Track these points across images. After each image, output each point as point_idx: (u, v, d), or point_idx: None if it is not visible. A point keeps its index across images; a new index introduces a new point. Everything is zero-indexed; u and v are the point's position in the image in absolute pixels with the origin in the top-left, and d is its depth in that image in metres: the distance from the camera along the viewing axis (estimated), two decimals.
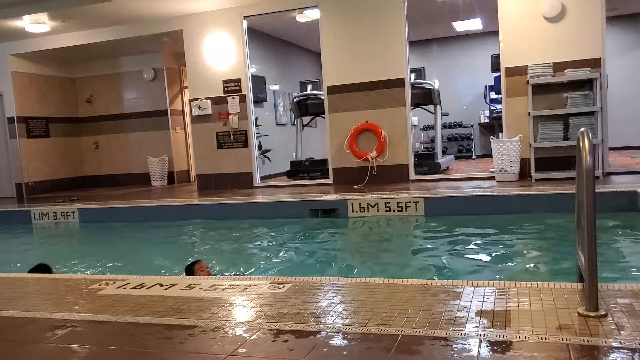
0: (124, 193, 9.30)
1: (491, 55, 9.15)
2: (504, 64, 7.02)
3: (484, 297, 2.18)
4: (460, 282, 2.43)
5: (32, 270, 3.70)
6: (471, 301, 2.15)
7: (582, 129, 2.01)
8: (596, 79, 6.46)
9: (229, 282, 2.78)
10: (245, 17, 8.31)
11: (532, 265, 3.79)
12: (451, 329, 1.87)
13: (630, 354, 1.58)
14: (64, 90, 11.25)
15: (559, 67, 6.67)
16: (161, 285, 2.81)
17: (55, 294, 2.81)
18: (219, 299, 2.47)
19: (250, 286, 2.64)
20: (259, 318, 2.15)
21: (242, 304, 2.37)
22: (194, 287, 2.73)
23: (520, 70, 6.87)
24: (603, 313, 1.89)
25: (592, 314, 1.89)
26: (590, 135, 1.98)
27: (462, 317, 1.98)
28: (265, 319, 2.13)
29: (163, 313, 2.33)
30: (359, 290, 2.46)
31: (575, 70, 6.54)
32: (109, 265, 4.78)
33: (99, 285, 2.91)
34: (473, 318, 1.96)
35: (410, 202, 5.76)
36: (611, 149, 8.59)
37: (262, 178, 9.07)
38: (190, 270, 3.60)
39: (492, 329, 1.83)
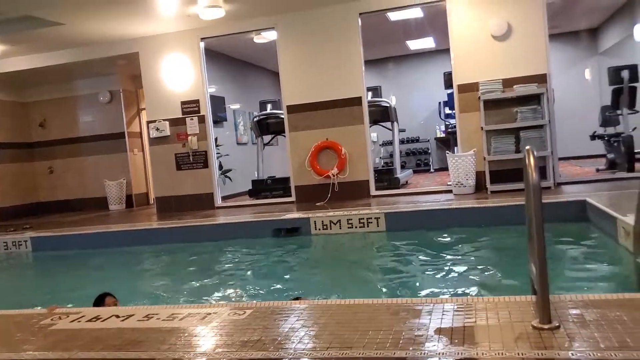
0: (80, 219, 9.03)
1: (444, 73, 9.42)
2: (456, 81, 7.24)
3: (442, 314, 2.21)
4: (420, 299, 2.47)
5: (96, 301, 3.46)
6: (430, 319, 2.18)
7: (527, 147, 2.08)
8: (543, 94, 6.74)
9: (188, 310, 2.72)
10: (202, 39, 8.29)
11: (490, 277, 3.88)
12: (411, 348, 1.89)
13: None
14: (15, 115, 10.91)
15: (508, 82, 6.94)
16: (117, 316, 2.72)
17: (3, 332, 2.68)
18: (177, 329, 2.41)
19: (210, 314, 2.59)
20: (218, 347, 2.12)
21: (201, 334, 2.32)
22: (152, 317, 2.66)
23: (472, 87, 7.10)
24: (556, 325, 1.95)
25: (545, 327, 1.94)
26: (534, 153, 2.06)
27: (422, 335, 2.00)
28: (226, 348, 2.09)
29: (119, 346, 2.26)
30: (321, 312, 2.45)
31: (524, 85, 6.81)
32: (63, 296, 4.60)
33: (52, 320, 2.79)
34: (432, 336, 1.98)
35: (371, 218, 5.82)
36: (561, 159, 8.94)
37: (224, 198, 8.99)
38: None
39: (450, 347, 1.86)
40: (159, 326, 2.49)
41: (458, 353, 1.80)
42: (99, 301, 3.46)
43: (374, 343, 1.97)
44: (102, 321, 2.68)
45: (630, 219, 3.67)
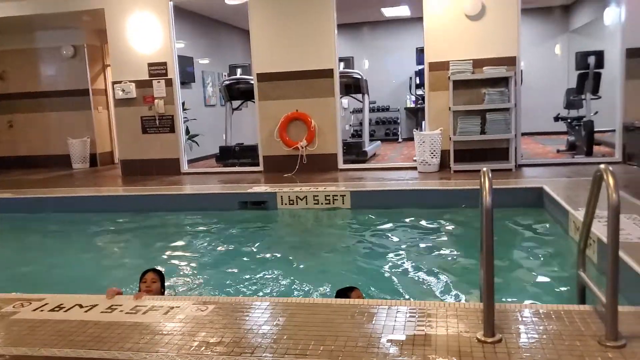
0: (43, 178, 8.84)
1: (416, 48, 9.39)
2: (428, 59, 7.25)
3: (395, 320, 2.34)
4: (376, 301, 2.59)
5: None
6: (384, 325, 2.30)
7: (483, 169, 2.18)
8: (511, 77, 6.83)
9: (151, 302, 2.77)
10: None
11: (446, 264, 4.05)
12: (363, 359, 2.01)
13: None
14: None
15: (478, 63, 7.00)
16: (81, 306, 2.75)
17: None
18: (140, 325, 2.47)
19: (173, 308, 2.65)
20: (180, 349, 2.19)
21: (163, 331, 2.38)
22: (115, 308, 2.71)
23: (443, 66, 7.13)
24: (498, 338, 2.09)
25: (488, 340, 2.08)
26: (490, 175, 2.15)
27: (374, 344, 2.12)
28: (186, 350, 2.17)
29: (82, 343, 2.31)
30: (280, 311, 2.54)
31: (493, 68, 6.89)
32: (24, 267, 4.58)
33: (14, 307, 2.80)
34: (384, 345, 2.11)
35: (337, 196, 5.92)
36: (526, 134, 9.23)
37: (191, 161, 8.93)
38: (343, 296, 2.90)
39: (399, 358, 1.99)
40: (122, 320, 2.54)
41: None
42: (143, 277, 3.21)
43: (329, 351, 2.08)
44: (65, 311, 2.71)
45: (581, 214, 3.85)
